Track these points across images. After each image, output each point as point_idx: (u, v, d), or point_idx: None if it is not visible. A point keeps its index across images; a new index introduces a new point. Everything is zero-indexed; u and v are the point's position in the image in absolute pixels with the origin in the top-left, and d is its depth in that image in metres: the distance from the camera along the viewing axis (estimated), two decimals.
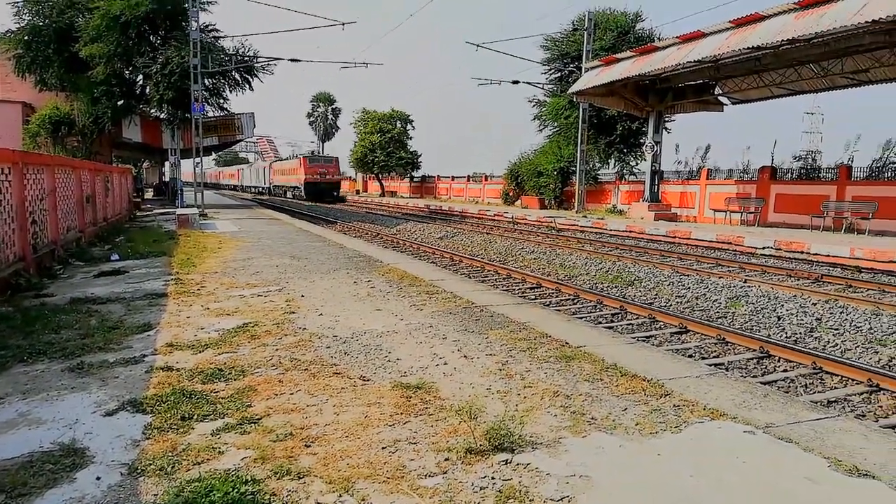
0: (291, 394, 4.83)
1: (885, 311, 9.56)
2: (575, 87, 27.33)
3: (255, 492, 3.30)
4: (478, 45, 31.15)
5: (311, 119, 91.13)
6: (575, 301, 11.31)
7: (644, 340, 8.29)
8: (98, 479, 3.50)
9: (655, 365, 5.69)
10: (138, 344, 6.30)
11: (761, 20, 17.77)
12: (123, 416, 4.41)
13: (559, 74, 36.39)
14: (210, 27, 32.90)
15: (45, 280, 10.10)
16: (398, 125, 61.94)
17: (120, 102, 32.88)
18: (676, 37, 22.16)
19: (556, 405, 4.62)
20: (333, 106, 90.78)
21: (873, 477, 3.52)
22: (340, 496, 3.31)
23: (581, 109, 30.92)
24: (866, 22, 13.25)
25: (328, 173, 55.17)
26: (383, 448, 3.88)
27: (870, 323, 9.07)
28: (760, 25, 17.59)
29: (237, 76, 33.17)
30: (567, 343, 6.34)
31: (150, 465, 3.63)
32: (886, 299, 10.88)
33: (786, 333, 8.92)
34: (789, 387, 6.84)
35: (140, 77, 33.40)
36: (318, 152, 75.47)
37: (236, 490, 3.26)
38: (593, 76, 26.45)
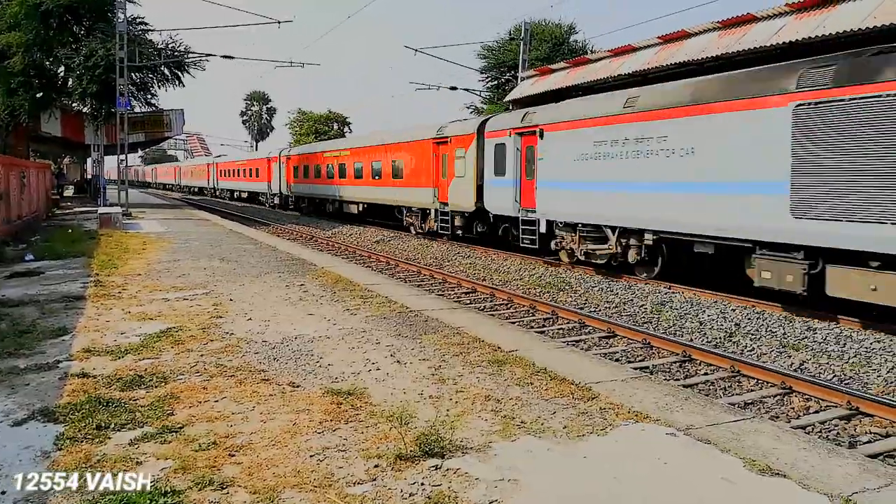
0: (216, 401, 4.68)
1: (797, 317, 10.10)
2: (511, 96, 27.71)
3: None
4: (416, 50, 31.23)
5: (245, 118, 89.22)
6: (508, 306, 11.45)
7: (574, 344, 8.47)
8: (3, 493, 3.30)
9: (584, 369, 5.82)
10: (52, 349, 5.97)
11: (688, 37, 18.50)
12: (33, 426, 4.18)
13: (496, 82, 36.92)
14: (138, 20, 31.68)
15: None
16: (335, 127, 61.31)
17: (39, 94, 31.17)
18: (608, 50, 22.74)
19: (487, 409, 4.66)
20: (268, 105, 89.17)
21: (784, 476, 3.70)
22: None
23: None
24: (783, 43, 14.02)
25: None
26: (311, 456, 3.81)
27: (784, 328, 9.55)
28: (687, 42, 18.31)
29: (166, 71, 32.01)
30: (499, 347, 6.40)
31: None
32: (798, 306, 11.48)
33: (707, 338, 9.29)
34: (709, 389, 7.12)
35: (62, 69, 31.77)
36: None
37: (154, 502, 3.13)
38: (528, 85, 26.90)
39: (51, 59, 30.67)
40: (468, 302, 11.71)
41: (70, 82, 31.09)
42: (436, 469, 3.66)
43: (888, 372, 7.49)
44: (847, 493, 3.49)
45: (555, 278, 14.02)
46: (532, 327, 9.69)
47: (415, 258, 18.03)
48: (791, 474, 3.72)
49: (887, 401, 6.38)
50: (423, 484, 3.48)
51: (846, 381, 7.31)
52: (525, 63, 31.15)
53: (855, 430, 6.03)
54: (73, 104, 32.89)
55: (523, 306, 11.25)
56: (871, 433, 5.92)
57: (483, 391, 5.05)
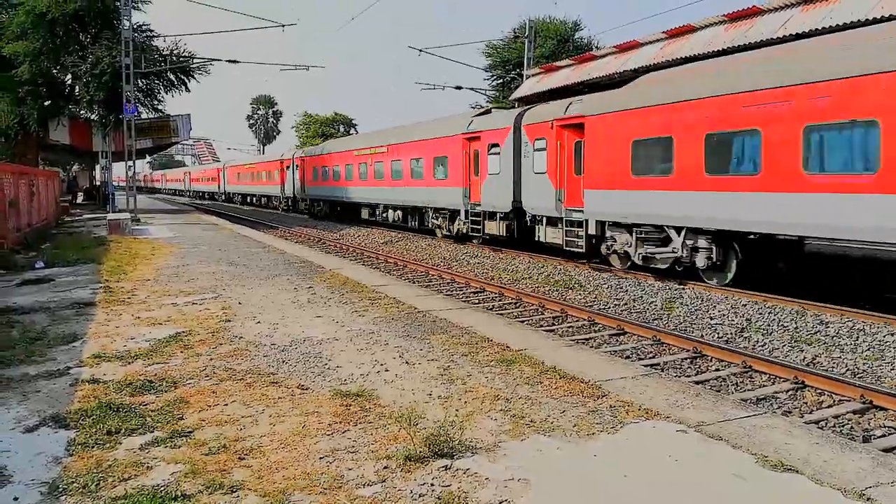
0: (226, 405, 4.69)
1: (809, 311, 10.01)
2: (517, 94, 27.69)
3: None
4: (420, 50, 31.33)
5: (251, 122, 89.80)
6: (517, 305, 11.41)
7: (583, 342, 8.43)
8: (16, 499, 3.32)
9: (593, 367, 5.79)
10: (63, 356, 6.01)
11: (693, 31, 18.42)
12: (45, 432, 4.20)
13: (501, 81, 36.88)
14: (143, 26, 31.85)
15: None
16: (341, 129, 61.45)
17: (47, 103, 31.41)
18: (613, 46, 22.69)
19: (497, 409, 4.64)
20: (274, 108, 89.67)
21: (797, 471, 3.66)
22: None
23: None
24: (790, 35, 13.93)
25: None
26: (321, 458, 3.81)
27: (796, 322, 9.48)
28: (692, 37, 18.23)
29: (172, 77, 32.14)
30: (508, 347, 6.38)
31: (73, 482, 3.46)
32: (810, 300, 11.39)
33: (718, 334, 9.23)
34: (721, 385, 7.07)
35: (69, 77, 31.99)
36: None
37: None
38: (534, 83, 26.86)
39: (58, 68, 30.89)
40: (476, 302, 11.69)
41: (77, 90, 31.28)
42: (445, 469, 3.65)
43: None
44: (861, 487, 3.45)
45: (564, 276, 13.97)
46: (541, 326, 9.66)
47: (423, 259, 18.02)
48: (804, 469, 3.68)
49: None
50: (432, 484, 3.47)
51: (859, 375, 7.24)
52: (530, 61, 31.11)
53: (869, 424, 5.97)
54: (81, 112, 33.11)
55: (532, 305, 11.22)
56: (885, 427, 5.86)
57: (492, 391, 5.04)
